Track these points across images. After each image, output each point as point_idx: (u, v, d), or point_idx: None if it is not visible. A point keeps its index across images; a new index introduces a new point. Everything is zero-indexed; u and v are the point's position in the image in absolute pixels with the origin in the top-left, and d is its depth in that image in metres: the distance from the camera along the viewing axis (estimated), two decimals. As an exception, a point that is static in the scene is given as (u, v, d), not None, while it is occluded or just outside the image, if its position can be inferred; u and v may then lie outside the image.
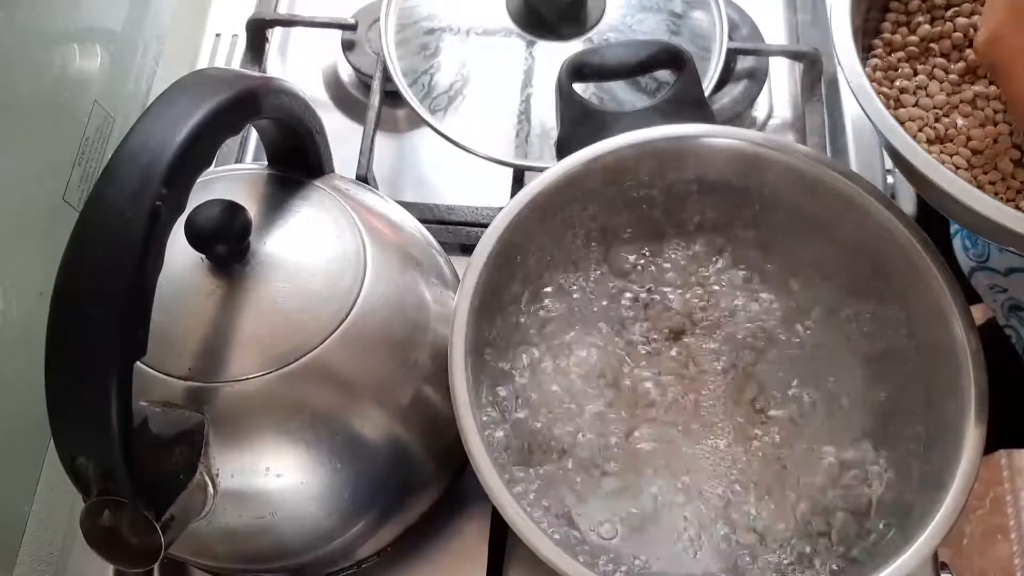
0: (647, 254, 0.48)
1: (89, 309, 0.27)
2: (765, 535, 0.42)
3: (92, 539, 0.30)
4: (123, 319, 0.27)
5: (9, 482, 0.47)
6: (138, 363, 0.32)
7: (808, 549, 0.41)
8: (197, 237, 0.33)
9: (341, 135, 0.58)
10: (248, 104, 0.33)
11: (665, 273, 0.48)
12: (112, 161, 0.29)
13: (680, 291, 0.47)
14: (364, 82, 0.62)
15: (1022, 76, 0.33)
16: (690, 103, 0.46)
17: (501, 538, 0.45)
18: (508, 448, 0.43)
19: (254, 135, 0.59)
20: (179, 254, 0.34)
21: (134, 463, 0.29)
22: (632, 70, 0.47)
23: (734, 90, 0.59)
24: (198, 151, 0.29)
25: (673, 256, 0.48)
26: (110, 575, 0.44)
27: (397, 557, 0.45)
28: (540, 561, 0.36)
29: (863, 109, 0.38)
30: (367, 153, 0.55)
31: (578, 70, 0.46)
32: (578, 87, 0.47)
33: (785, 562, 0.41)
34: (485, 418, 0.42)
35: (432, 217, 0.55)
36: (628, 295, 0.47)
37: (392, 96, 0.57)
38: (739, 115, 0.59)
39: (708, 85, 0.53)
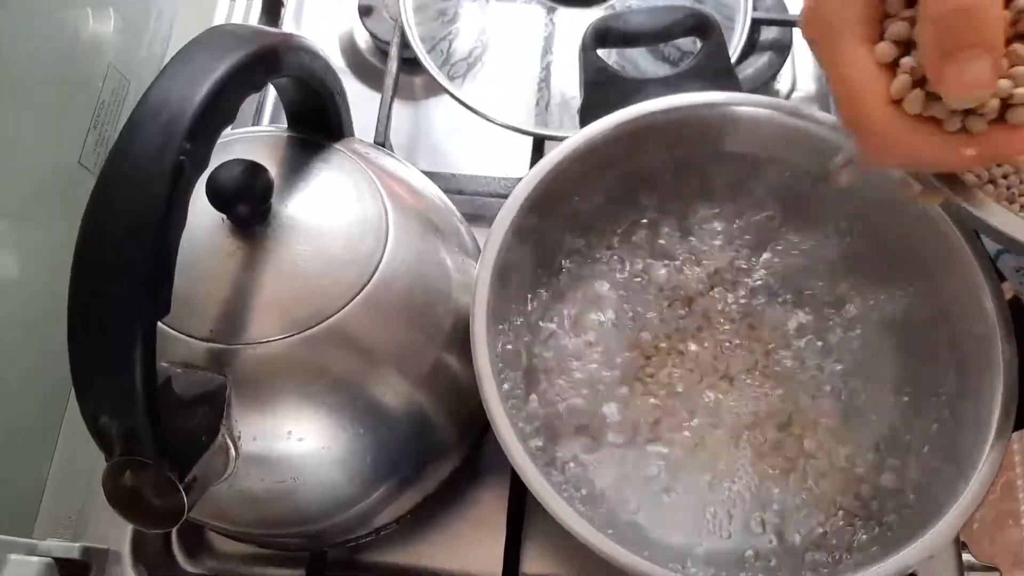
0: (670, 224, 0.47)
1: (113, 266, 0.26)
2: (792, 514, 0.42)
3: (114, 499, 0.30)
4: (148, 277, 0.27)
5: (28, 446, 0.47)
6: (160, 323, 0.32)
7: (835, 527, 0.41)
8: (219, 196, 0.33)
9: (358, 102, 0.56)
10: (269, 60, 0.32)
11: (689, 242, 0.47)
12: (133, 117, 0.28)
13: (704, 261, 0.47)
14: (381, 49, 0.61)
15: (836, 51, 0.28)
16: (716, 71, 0.45)
17: (520, 507, 0.44)
18: (529, 417, 0.43)
19: (270, 98, 0.58)
20: (200, 214, 0.34)
21: (157, 423, 0.28)
22: (657, 35, 0.46)
23: (757, 61, 0.58)
24: (220, 106, 0.29)
25: (697, 227, 0.47)
26: (128, 538, 0.44)
27: (415, 525, 0.44)
28: (559, 530, 0.36)
29: None
30: (384, 121, 0.54)
31: (602, 35, 0.45)
32: (601, 54, 0.46)
33: (809, 541, 0.41)
34: (506, 386, 0.41)
35: (450, 186, 0.54)
36: (651, 264, 0.47)
37: (409, 63, 0.56)
38: (762, 87, 0.58)
39: (732, 55, 0.52)
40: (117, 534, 0.44)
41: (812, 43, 0.29)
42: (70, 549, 0.42)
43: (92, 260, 0.27)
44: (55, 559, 0.41)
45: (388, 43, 0.58)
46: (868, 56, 0.27)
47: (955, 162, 0.28)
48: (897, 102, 0.27)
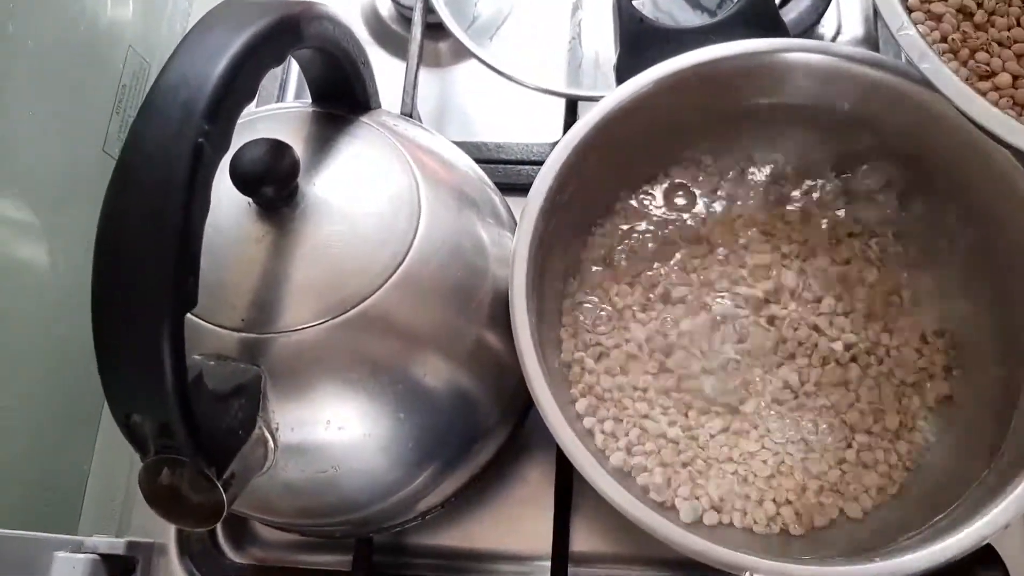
0: (716, 187, 0.45)
1: (135, 258, 0.25)
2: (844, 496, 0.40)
3: (152, 499, 0.29)
4: (171, 266, 0.25)
5: (68, 440, 0.47)
6: (189, 315, 0.31)
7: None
8: (243, 179, 0.31)
9: (383, 73, 0.54)
10: (289, 31, 0.30)
11: (735, 207, 0.45)
12: (149, 98, 0.26)
13: (754, 229, 0.44)
14: (404, 15, 0.59)
15: None
16: (761, 17, 0.42)
17: (567, 483, 0.43)
18: (574, 392, 0.42)
19: (294, 74, 0.57)
20: (225, 199, 0.32)
21: (192, 419, 0.27)
22: (694, -18, 0.43)
23: (801, 4, 0.55)
24: (240, 83, 0.27)
25: (745, 192, 0.45)
26: (173, 531, 0.44)
27: (462, 507, 0.43)
28: (608, 507, 0.34)
29: None
30: (411, 90, 0.52)
31: (637, -15, 0.43)
32: (637, 5, 0.44)
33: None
34: (550, 361, 0.40)
35: (481, 156, 0.52)
36: (695, 231, 0.44)
37: (434, 28, 0.54)
38: (806, 31, 0.55)
39: (775, -1, 0.49)
40: (162, 527, 0.44)
41: None
42: (115, 545, 0.41)
43: (112, 253, 0.25)
44: (101, 555, 0.40)
45: (411, 8, 0.55)
46: None
47: None
48: None
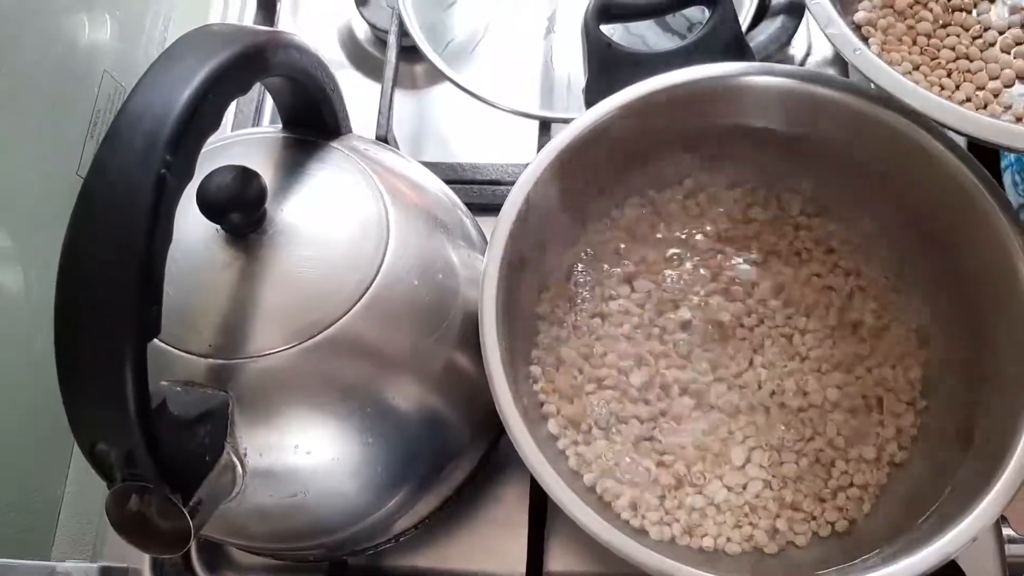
0: (686, 207, 0.46)
1: (97, 286, 0.25)
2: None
3: (120, 526, 0.29)
4: (134, 295, 0.25)
5: (41, 465, 0.47)
6: (157, 342, 0.31)
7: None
8: (210, 206, 0.31)
9: (360, 96, 0.56)
10: (255, 61, 0.31)
11: (706, 227, 0.45)
12: (113, 127, 0.27)
13: (723, 246, 0.45)
14: (380, 38, 0.59)
15: None
16: (727, 41, 0.43)
17: (541, 503, 0.43)
18: (546, 414, 0.42)
19: (270, 99, 0.57)
20: (193, 225, 0.33)
21: (157, 446, 0.27)
22: (663, 7, 0.44)
23: (770, 27, 0.56)
24: (204, 113, 0.27)
25: (714, 210, 0.45)
26: (147, 555, 0.44)
27: (436, 528, 0.43)
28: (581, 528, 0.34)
29: None
30: (386, 112, 0.52)
31: (605, 10, 0.43)
32: (606, 31, 0.44)
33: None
34: (521, 383, 0.40)
35: (456, 177, 0.52)
36: (666, 249, 0.45)
37: (409, 52, 0.55)
38: (776, 54, 0.56)
39: (743, 21, 0.50)
40: (137, 552, 0.43)
41: None
42: (89, 570, 0.41)
43: (74, 282, 0.26)
44: (74, 580, 0.40)
45: (386, 32, 0.56)
46: None
47: None
48: None
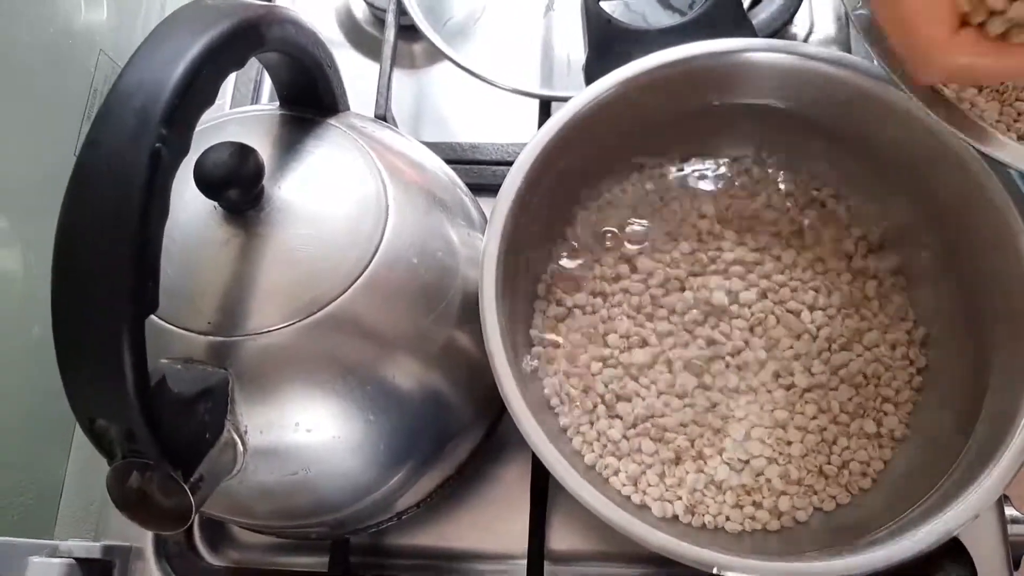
0: (686, 185, 0.45)
1: (93, 264, 0.25)
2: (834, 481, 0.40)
3: (121, 503, 0.29)
4: (130, 271, 0.25)
5: (43, 444, 0.47)
6: (156, 319, 0.31)
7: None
8: (207, 183, 0.31)
9: (358, 74, 0.55)
10: (250, 35, 0.30)
11: (707, 206, 0.45)
12: (106, 103, 0.26)
13: (724, 225, 0.44)
14: (378, 17, 0.59)
15: None
16: (728, 17, 0.42)
17: (543, 482, 0.43)
18: (547, 392, 0.42)
19: (268, 76, 0.57)
20: (191, 203, 0.33)
21: (157, 423, 0.27)
22: (663, -18, 0.44)
23: (771, 4, 0.55)
24: (199, 87, 0.27)
25: (715, 187, 0.45)
26: (150, 534, 0.44)
27: (438, 506, 0.43)
28: (582, 504, 0.34)
29: None
30: (384, 91, 0.52)
31: (605, -15, 0.43)
32: (606, 7, 0.44)
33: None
34: (521, 362, 0.40)
35: (455, 156, 0.52)
36: (666, 227, 0.45)
37: (408, 30, 0.54)
38: (777, 32, 0.55)
39: (745, -2, 0.49)
40: (139, 530, 0.44)
41: None
42: (91, 548, 0.41)
43: (70, 259, 0.25)
44: (77, 559, 0.40)
45: (384, 10, 0.55)
46: None
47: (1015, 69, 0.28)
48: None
